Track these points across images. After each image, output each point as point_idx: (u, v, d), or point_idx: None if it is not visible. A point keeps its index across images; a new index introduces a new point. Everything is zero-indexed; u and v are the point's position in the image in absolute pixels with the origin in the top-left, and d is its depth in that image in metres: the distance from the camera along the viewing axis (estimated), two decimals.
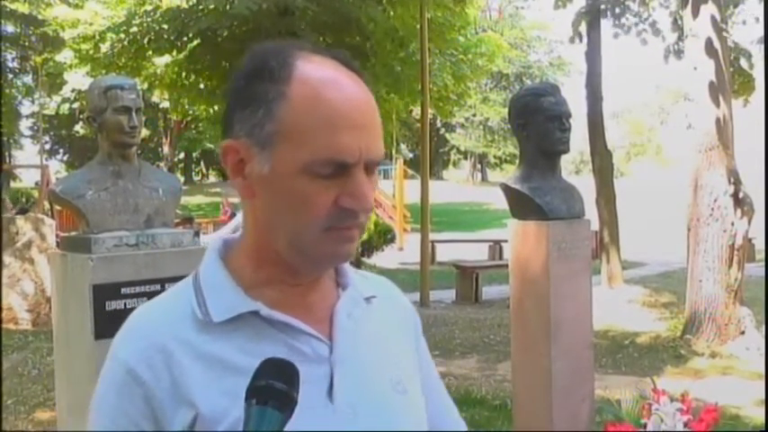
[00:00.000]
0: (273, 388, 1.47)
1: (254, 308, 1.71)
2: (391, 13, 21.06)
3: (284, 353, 1.65)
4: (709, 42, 13.20)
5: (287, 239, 1.70)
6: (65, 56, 24.99)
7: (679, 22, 18.37)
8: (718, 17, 13.34)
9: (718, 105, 13.05)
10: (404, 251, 30.95)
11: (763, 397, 8.70)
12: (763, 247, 23.89)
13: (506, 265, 7.62)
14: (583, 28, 19.63)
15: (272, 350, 1.65)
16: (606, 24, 20.20)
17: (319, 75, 1.67)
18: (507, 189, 7.06)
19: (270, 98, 1.66)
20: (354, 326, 1.83)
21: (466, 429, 2.21)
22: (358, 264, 25.53)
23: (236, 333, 1.70)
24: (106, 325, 5.40)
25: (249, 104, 1.70)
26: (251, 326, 1.71)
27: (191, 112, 26.89)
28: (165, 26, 19.85)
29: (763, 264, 19.35)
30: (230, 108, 1.76)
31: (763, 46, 16.12)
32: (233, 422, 1.60)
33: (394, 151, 45.20)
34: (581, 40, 19.72)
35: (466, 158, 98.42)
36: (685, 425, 5.95)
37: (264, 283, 1.77)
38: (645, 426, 6.02)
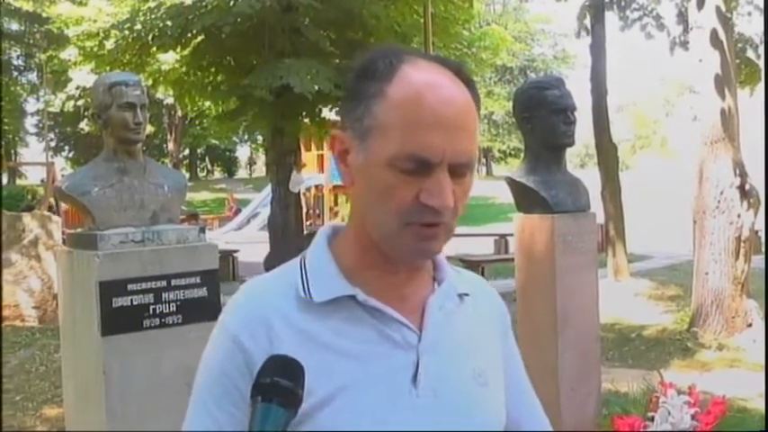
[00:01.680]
0: (279, 385, 1.51)
1: (352, 293, 1.80)
2: (393, 8, 21.06)
3: (375, 337, 1.80)
4: (714, 34, 13.16)
5: (374, 229, 1.79)
6: (69, 53, 24.98)
7: (684, 14, 18.33)
8: (723, 8, 13.30)
9: (723, 97, 13.02)
10: None
11: None
12: None
13: (512, 259, 7.62)
14: (587, 21, 19.60)
15: (365, 334, 1.80)
16: (611, 17, 20.18)
17: (420, 77, 1.74)
18: (513, 183, 7.06)
19: (371, 95, 1.75)
20: (444, 318, 1.91)
21: (549, 424, 2.27)
22: None
23: (334, 314, 1.80)
24: (113, 321, 5.42)
25: (354, 99, 1.80)
26: (347, 309, 1.81)
27: (195, 108, 26.90)
28: (169, 23, 19.87)
29: None
30: (343, 101, 1.87)
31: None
32: (320, 399, 1.70)
33: None
34: (587, 34, 19.70)
35: None
36: (693, 417, 5.95)
37: (364, 268, 1.85)
38: (652, 418, 6.02)
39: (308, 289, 1.82)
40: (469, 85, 1.80)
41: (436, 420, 1.78)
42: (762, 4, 17.27)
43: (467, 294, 2.00)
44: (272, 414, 1.47)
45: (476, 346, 1.96)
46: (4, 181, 60.97)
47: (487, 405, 1.91)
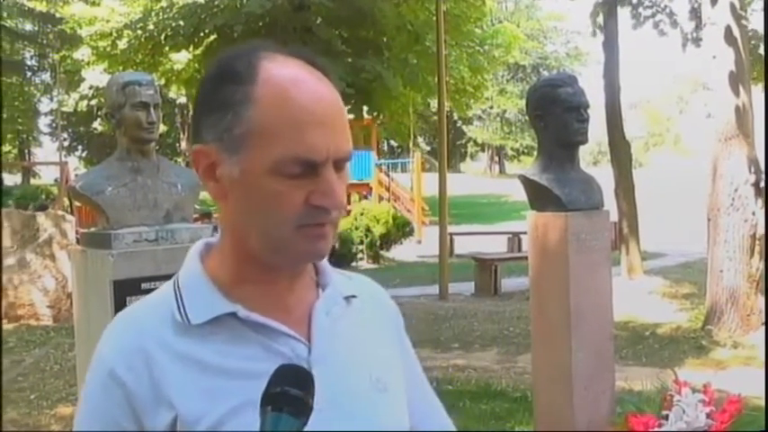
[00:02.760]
0: (288, 394, 1.47)
1: (232, 309, 1.72)
2: (405, 6, 21.07)
3: (262, 354, 1.70)
4: (728, 30, 13.12)
5: (260, 239, 1.70)
6: (82, 53, 25.08)
7: (697, 11, 18.30)
8: (737, 4, 13.27)
9: (737, 94, 12.98)
10: (422, 244, 30.91)
11: None
12: None
13: (525, 257, 7.61)
14: (601, 19, 19.58)
15: (251, 351, 1.70)
16: (623, 14, 20.14)
17: (284, 74, 1.68)
18: (526, 180, 7.04)
19: (237, 101, 1.67)
20: (332, 324, 1.83)
21: (452, 426, 2.20)
22: (377, 257, 25.59)
23: (215, 335, 1.71)
24: None
25: (217, 109, 1.70)
26: (229, 328, 1.72)
27: None
28: (182, 22, 19.95)
29: None
30: (198, 113, 1.77)
31: None
32: (211, 423, 1.63)
33: (411, 144, 45.16)
34: (602, 33, 19.68)
35: (483, 151, 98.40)
36: (708, 416, 5.94)
37: (242, 283, 1.77)
38: (666, 417, 6.00)
39: (185, 311, 1.73)
40: (326, 73, 1.76)
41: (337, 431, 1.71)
42: None
43: (354, 296, 1.93)
44: (282, 423, 1.44)
45: (370, 350, 1.89)
46: (19, 180, 61.21)
47: (389, 411, 1.84)
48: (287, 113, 1.63)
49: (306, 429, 1.49)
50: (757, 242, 12.92)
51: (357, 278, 2.07)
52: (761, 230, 12.88)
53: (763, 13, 13.40)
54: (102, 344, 1.76)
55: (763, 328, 12.62)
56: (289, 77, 1.67)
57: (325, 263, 1.92)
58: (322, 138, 1.63)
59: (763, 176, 12.99)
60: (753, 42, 15.97)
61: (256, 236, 1.70)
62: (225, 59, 1.75)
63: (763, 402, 8.44)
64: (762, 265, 12.96)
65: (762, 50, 19.17)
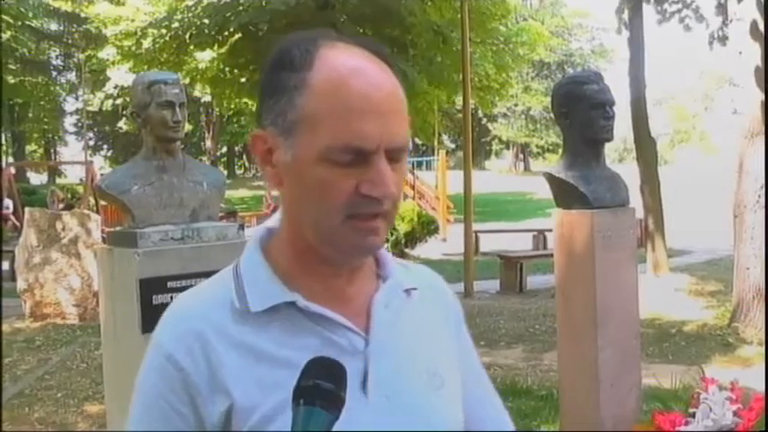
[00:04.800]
0: (321, 388, 1.45)
1: (291, 299, 1.71)
2: (429, 3, 21.06)
3: (319, 345, 1.68)
4: (754, 26, 13.05)
5: (311, 229, 1.70)
6: (107, 52, 25.21)
7: (723, 6, 18.21)
8: (763, 0, 13.20)
9: (763, 90, 12.92)
10: (447, 242, 30.89)
11: None
12: None
13: (551, 255, 7.60)
14: (626, 16, 19.52)
15: (308, 342, 1.69)
16: (649, 10, 20.08)
17: (341, 61, 1.66)
18: (551, 178, 7.03)
19: (291, 86, 1.67)
20: (392, 317, 1.82)
21: (509, 420, 2.16)
22: (402, 255, 25.58)
23: (273, 324, 1.71)
24: (153, 319, 5.40)
25: (273, 94, 1.71)
26: (288, 317, 1.72)
27: (233, 105, 27.00)
28: (206, 21, 20.01)
29: None
30: (259, 99, 1.78)
31: None
32: (266, 413, 1.62)
33: (436, 142, 45.15)
34: (627, 29, 19.62)
35: (508, 148, 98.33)
36: (735, 414, 5.92)
37: (302, 273, 1.77)
38: (693, 414, 5.99)
39: (245, 298, 1.73)
40: (390, 64, 1.74)
41: (390, 426, 1.70)
42: None
43: (414, 289, 1.91)
44: (314, 417, 1.42)
45: (428, 345, 1.87)
46: (45, 180, 61.55)
47: (444, 407, 1.82)
48: (340, 100, 1.62)
49: (359, 424, 1.52)
50: None
51: (417, 269, 2.05)
52: None
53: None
54: (159, 328, 1.77)
55: None
56: (346, 65, 1.66)
57: (385, 254, 1.92)
58: (374, 126, 1.61)
59: None
60: None
61: (308, 225, 1.70)
62: (284, 46, 1.74)
63: None
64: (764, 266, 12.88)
65: None
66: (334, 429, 1.44)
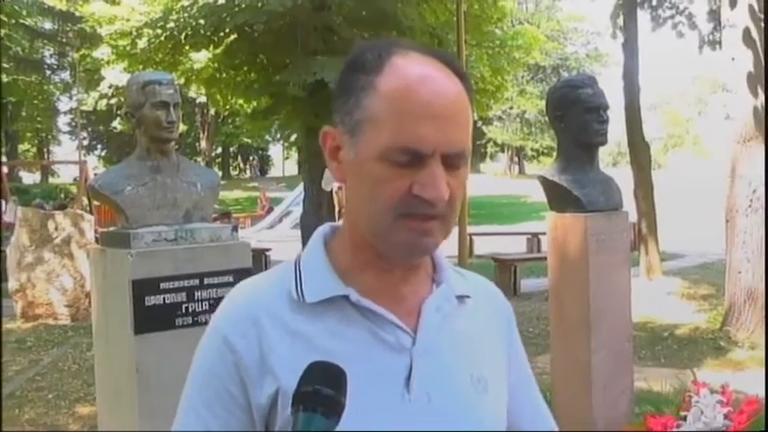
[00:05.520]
0: (321, 394, 1.46)
1: (345, 292, 1.77)
2: (426, 6, 21.07)
3: (367, 339, 1.76)
4: (746, 32, 13.10)
5: (366, 224, 1.75)
6: (102, 52, 25.11)
7: (716, 12, 18.27)
8: (756, 6, 13.24)
9: (756, 95, 12.94)
10: (442, 244, 30.90)
11: None
12: None
13: (545, 258, 7.62)
14: (621, 21, 19.57)
15: (357, 335, 1.76)
16: (643, 16, 20.13)
17: (411, 68, 1.71)
18: (545, 181, 7.04)
19: (360, 88, 1.72)
20: (441, 321, 1.85)
21: (555, 427, 2.20)
22: None
23: (326, 315, 1.77)
24: (145, 320, 5.44)
25: (344, 94, 1.77)
26: (340, 310, 1.77)
27: (228, 106, 26.98)
28: (202, 21, 19.96)
29: None
30: (333, 97, 1.83)
31: None
32: None
33: None
34: (622, 33, 19.66)
35: (503, 151, 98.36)
36: (725, 417, 5.93)
37: (359, 268, 1.82)
38: (685, 417, 6.00)
39: (301, 289, 1.80)
40: (462, 77, 1.78)
41: (429, 425, 1.74)
42: None
43: (468, 296, 1.95)
44: (314, 424, 1.43)
45: (476, 350, 1.91)
46: (38, 179, 61.45)
47: (485, 412, 1.85)
48: (403, 103, 1.66)
49: (399, 421, 1.56)
50: None
51: (473, 278, 2.09)
52: None
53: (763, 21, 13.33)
54: (219, 311, 1.85)
55: None
56: (414, 72, 1.70)
57: (442, 260, 1.97)
58: (432, 130, 1.65)
59: None
60: None
61: (364, 220, 1.75)
62: (359, 49, 1.80)
63: None
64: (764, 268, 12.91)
65: None
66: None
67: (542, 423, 2.16)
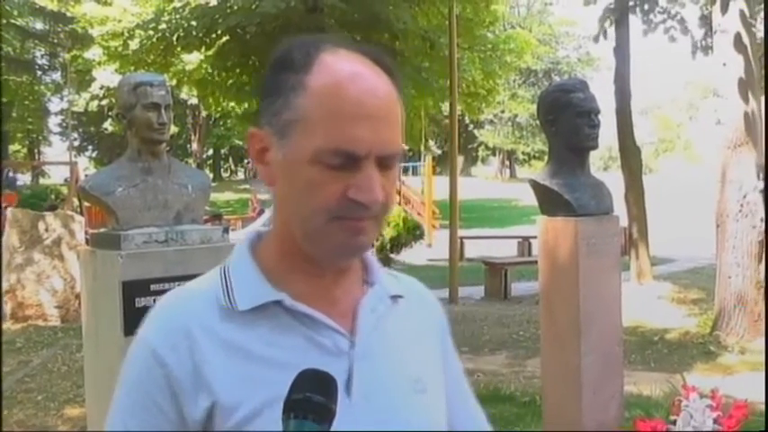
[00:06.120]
0: (312, 401, 1.44)
1: (278, 298, 1.72)
2: (418, 10, 21.07)
3: (305, 345, 1.70)
4: (738, 38, 13.14)
5: (299, 228, 1.70)
6: (93, 53, 25.14)
7: (708, 18, 18.29)
8: (747, 12, 13.27)
9: (747, 101, 12.99)
10: (432, 247, 30.92)
11: None
12: None
13: (535, 262, 7.61)
14: (608, 25, 19.58)
15: (294, 342, 1.70)
16: (635, 20, 20.15)
17: (340, 66, 1.68)
18: (536, 185, 7.04)
19: (289, 87, 1.68)
20: (377, 321, 1.83)
21: (489, 429, 2.18)
22: (387, 260, 25.59)
23: (259, 323, 1.71)
24: (136, 321, 5.38)
25: (271, 94, 1.72)
26: (274, 316, 1.72)
27: (219, 108, 26.99)
28: (194, 23, 19.95)
29: None
30: (260, 98, 1.79)
31: None
32: (249, 412, 1.63)
33: (423, 148, 45.16)
34: (605, 38, 19.68)
35: (494, 155, 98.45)
36: (715, 421, 5.94)
37: (289, 273, 1.77)
38: (674, 422, 6.01)
39: (231, 297, 1.74)
40: (391, 73, 1.75)
41: (369, 427, 1.70)
42: None
43: (400, 296, 1.92)
44: (305, 430, 1.41)
45: (412, 350, 1.88)
46: (28, 180, 61.32)
47: (425, 412, 1.83)
48: (334, 103, 1.63)
49: (341, 424, 1.48)
50: (765, 248, 12.93)
51: (404, 279, 2.06)
52: (766, 237, 12.88)
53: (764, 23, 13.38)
54: (146, 324, 1.78)
55: None
56: (344, 70, 1.67)
57: (373, 261, 1.93)
58: (366, 131, 1.62)
59: None
60: (762, 50, 15.97)
61: (296, 224, 1.71)
62: (286, 48, 1.76)
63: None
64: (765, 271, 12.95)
65: None
66: None
67: (478, 427, 2.16)
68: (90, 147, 78.06)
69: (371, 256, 1.91)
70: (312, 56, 1.69)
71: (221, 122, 63.34)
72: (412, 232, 27.39)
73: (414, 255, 27.71)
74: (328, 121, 1.62)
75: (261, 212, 42.87)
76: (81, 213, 21.32)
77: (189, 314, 1.73)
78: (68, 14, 39.88)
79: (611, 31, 19.66)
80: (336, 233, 1.67)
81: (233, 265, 1.82)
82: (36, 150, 76.66)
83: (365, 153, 1.62)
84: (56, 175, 60.88)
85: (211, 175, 72.24)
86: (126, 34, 21.21)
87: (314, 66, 1.67)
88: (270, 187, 1.78)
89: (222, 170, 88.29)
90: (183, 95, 38.00)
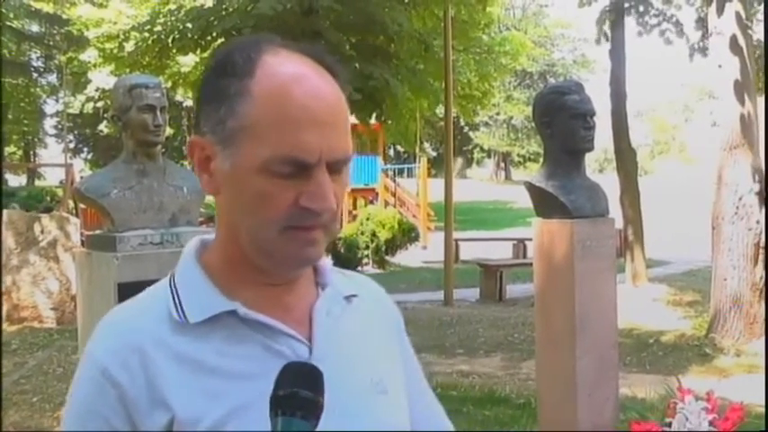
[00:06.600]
0: (299, 396, 1.42)
1: (231, 307, 1.68)
2: (413, 12, 21.06)
3: (262, 354, 1.66)
4: (733, 40, 13.15)
5: (248, 239, 1.67)
6: (89, 55, 25.15)
7: (703, 20, 18.30)
8: (743, 14, 13.29)
9: (743, 103, 13.00)
10: (427, 250, 30.96)
11: None
12: None
13: (530, 264, 7.62)
14: (607, 27, 19.60)
15: (250, 351, 1.66)
16: (630, 22, 20.16)
17: (284, 70, 1.64)
18: (532, 187, 7.04)
19: (232, 93, 1.63)
20: (333, 324, 1.80)
21: (451, 428, 2.15)
22: (382, 262, 25.60)
23: (213, 334, 1.67)
24: None
25: (213, 100, 1.68)
26: (228, 326, 1.68)
27: None
28: (189, 25, 19.92)
29: None
30: (198, 104, 1.75)
31: None
32: (210, 425, 1.59)
33: (417, 150, 45.15)
34: (607, 40, 19.70)
35: (489, 157, 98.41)
36: (710, 424, 5.94)
37: (240, 282, 1.73)
38: (669, 424, 6.01)
39: (182, 309, 1.69)
40: (334, 73, 1.71)
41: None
42: None
43: (354, 296, 1.89)
44: (293, 428, 1.40)
45: (371, 351, 1.86)
46: (24, 182, 61.24)
47: (388, 413, 1.80)
48: (281, 110, 1.59)
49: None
50: (761, 251, 12.94)
51: (357, 277, 2.03)
52: (764, 239, 12.89)
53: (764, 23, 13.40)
54: (93, 342, 1.72)
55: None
56: (288, 73, 1.63)
57: (324, 262, 1.88)
58: (315, 137, 1.59)
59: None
60: (758, 52, 15.99)
61: (245, 235, 1.66)
62: (226, 51, 1.71)
63: (764, 410, 8.46)
64: (765, 274, 12.96)
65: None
66: None
67: (440, 424, 2.13)
68: (85, 149, 77.89)
69: (322, 258, 1.83)
70: (254, 59, 1.65)
71: None
72: (407, 234, 27.40)
73: (409, 257, 27.71)
74: (275, 128, 1.59)
75: None
76: (76, 215, 21.31)
77: (139, 329, 1.69)
78: (64, 17, 39.81)
79: (609, 32, 19.68)
80: (287, 244, 1.64)
81: (180, 276, 1.79)
82: (31, 152, 76.54)
83: (315, 160, 1.59)
84: (51, 177, 60.82)
85: None
86: (121, 36, 21.19)
87: (256, 70, 1.63)
88: (213, 196, 1.74)
89: None
90: (179, 97, 37.95)
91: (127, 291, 5.45)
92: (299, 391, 1.43)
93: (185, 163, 60.21)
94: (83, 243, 11.17)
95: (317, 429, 1.46)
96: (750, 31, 13.71)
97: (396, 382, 1.88)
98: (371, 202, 35.75)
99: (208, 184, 1.72)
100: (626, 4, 19.47)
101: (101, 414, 1.62)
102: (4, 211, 16.95)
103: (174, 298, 1.72)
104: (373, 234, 26.20)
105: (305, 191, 1.60)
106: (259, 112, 1.60)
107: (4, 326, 14.70)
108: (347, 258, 23.77)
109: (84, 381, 1.68)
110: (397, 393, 1.86)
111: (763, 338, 12.42)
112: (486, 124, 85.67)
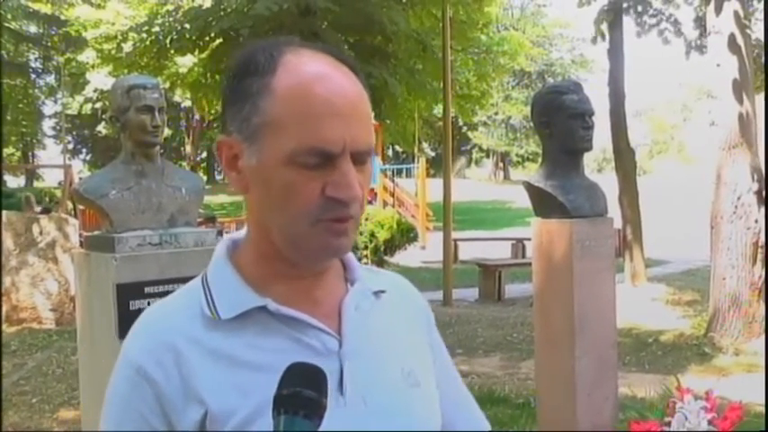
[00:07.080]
0: (302, 396, 1.43)
1: (262, 303, 1.72)
2: (411, 12, 21.08)
3: (293, 347, 1.69)
4: (732, 39, 13.15)
5: (279, 233, 1.70)
6: (87, 56, 25.21)
7: (702, 19, 18.30)
8: (741, 13, 13.29)
9: (741, 102, 13.00)
10: (426, 250, 30.93)
11: None
12: None
13: (529, 264, 7.62)
14: (605, 26, 19.59)
15: (281, 345, 1.69)
16: (628, 22, 20.16)
17: (305, 67, 1.67)
18: (530, 187, 7.04)
19: (255, 92, 1.67)
20: (363, 318, 1.83)
21: (485, 421, 2.17)
22: (380, 262, 25.57)
23: (245, 329, 1.71)
24: (130, 324, 5.34)
25: (238, 100, 1.71)
26: (259, 322, 1.72)
27: (213, 111, 26.99)
28: (187, 26, 19.96)
29: None
30: (223, 105, 1.78)
31: None
32: (243, 418, 1.62)
33: (416, 150, 45.13)
34: (603, 39, 19.69)
35: (488, 157, 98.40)
36: (709, 423, 5.94)
37: (270, 278, 1.77)
38: (669, 423, 6.00)
39: (214, 307, 1.73)
40: (355, 71, 1.75)
41: (367, 426, 1.69)
42: None
43: (383, 291, 1.93)
44: (296, 427, 1.40)
45: (401, 344, 1.89)
46: (22, 183, 61.26)
47: (421, 406, 1.83)
48: (304, 104, 1.62)
49: (338, 425, 1.49)
50: (760, 250, 12.94)
51: (385, 274, 2.06)
52: (763, 238, 12.89)
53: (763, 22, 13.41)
54: (129, 341, 1.76)
55: (765, 334, 12.63)
56: (310, 70, 1.67)
57: (352, 259, 1.92)
58: (339, 129, 1.62)
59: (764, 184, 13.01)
60: (756, 51, 15.99)
61: (276, 229, 1.70)
62: (247, 52, 1.74)
63: (763, 409, 8.46)
64: (764, 273, 12.96)
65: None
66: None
67: (472, 419, 2.15)
68: (84, 149, 77.99)
69: (349, 254, 1.89)
70: (276, 58, 1.69)
71: (215, 125, 63.27)
72: (406, 234, 27.34)
73: (407, 257, 27.69)
74: (299, 121, 1.62)
75: None
76: (75, 216, 21.29)
77: (172, 327, 1.72)
78: (62, 18, 39.86)
79: (607, 31, 19.67)
80: (318, 236, 1.67)
81: (212, 274, 1.82)
82: (30, 153, 76.59)
83: (340, 150, 1.62)
84: (50, 178, 60.87)
85: (205, 178, 72.03)
86: (119, 37, 21.24)
87: (278, 68, 1.67)
88: (243, 194, 1.77)
89: (216, 173, 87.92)
90: (177, 98, 38.03)
91: (126, 291, 5.49)
92: (302, 391, 1.43)
93: (184, 164, 60.25)
94: (81, 244, 11.15)
95: (325, 429, 1.45)
96: (748, 31, 13.70)
97: (427, 375, 1.90)
98: (370, 203, 35.67)
99: (237, 181, 1.76)
100: (624, 4, 19.46)
101: (138, 411, 1.66)
102: (3, 213, 16.97)
103: (206, 296, 1.76)
104: (372, 234, 26.16)
105: (330, 181, 1.63)
106: (281, 107, 1.64)
107: (4, 327, 14.71)
108: None
109: (120, 380, 1.73)
110: (428, 386, 1.89)
111: (763, 337, 12.43)
112: (485, 124, 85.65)
